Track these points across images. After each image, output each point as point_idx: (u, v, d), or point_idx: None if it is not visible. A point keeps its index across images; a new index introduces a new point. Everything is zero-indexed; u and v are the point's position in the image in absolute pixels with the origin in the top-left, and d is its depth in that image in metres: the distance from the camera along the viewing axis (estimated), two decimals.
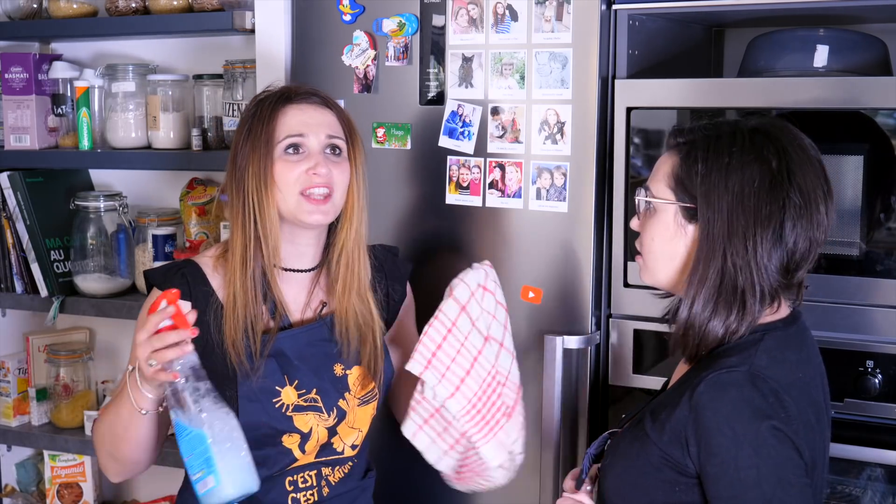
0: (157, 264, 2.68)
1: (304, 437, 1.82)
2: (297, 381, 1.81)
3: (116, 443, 1.78)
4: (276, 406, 1.80)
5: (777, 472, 1.44)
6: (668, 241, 1.57)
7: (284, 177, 1.79)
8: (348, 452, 1.89)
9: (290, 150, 1.80)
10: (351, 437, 1.88)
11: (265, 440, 1.80)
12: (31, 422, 2.91)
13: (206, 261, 1.86)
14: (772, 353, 1.51)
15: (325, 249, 1.90)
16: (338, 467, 1.90)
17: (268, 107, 1.82)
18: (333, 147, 1.84)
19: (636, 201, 1.63)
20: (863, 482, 2.02)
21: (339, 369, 1.87)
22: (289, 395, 1.80)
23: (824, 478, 1.60)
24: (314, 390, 1.83)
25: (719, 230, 1.50)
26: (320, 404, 1.83)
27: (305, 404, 1.82)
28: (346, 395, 1.86)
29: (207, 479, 1.62)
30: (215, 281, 1.83)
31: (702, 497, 1.50)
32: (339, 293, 1.87)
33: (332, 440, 1.86)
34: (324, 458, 1.87)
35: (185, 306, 1.65)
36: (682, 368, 1.66)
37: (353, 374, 1.88)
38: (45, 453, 2.96)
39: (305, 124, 1.82)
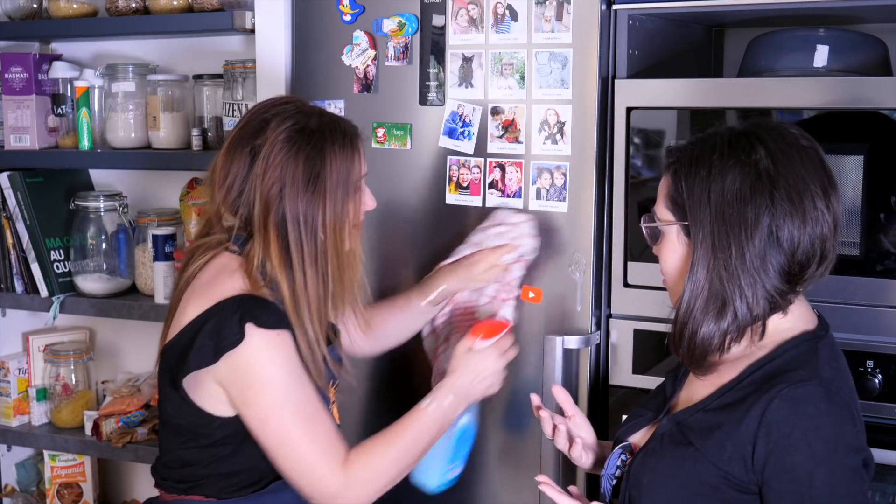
0: (158, 264, 2.68)
1: (337, 427, 1.90)
2: (331, 379, 1.88)
3: (417, 455, 1.84)
4: (330, 408, 1.88)
5: (850, 493, 1.44)
6: (678, 260, 1.56)
7: (358, 215, 1.85)
8: None
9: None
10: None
11: None
12: (31, 422, 2.91)
13: (254, 289, 1.76)
14: (831, 364, 1.50)
15: None
16: None
17: (349, 143, 1.80)
18: None
19: (644, 229, 1.62)
20: None
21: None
22: (332, 391, 1.90)
23: None
24: (333, 380, 1.91)
25: (703, 243, 1.49)
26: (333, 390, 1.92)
27: (332, 397, 1.91)
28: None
29: (457, 468, 2.00)
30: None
31: None
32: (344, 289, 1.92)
33: None
34: None
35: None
36: (706, 381, 1.61)
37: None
38: (45, 453, 2.96)
39: (366, 161, 1.87)
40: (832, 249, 1.52)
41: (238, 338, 1.69)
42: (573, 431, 1.80)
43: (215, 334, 1.70)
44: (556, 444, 1.81)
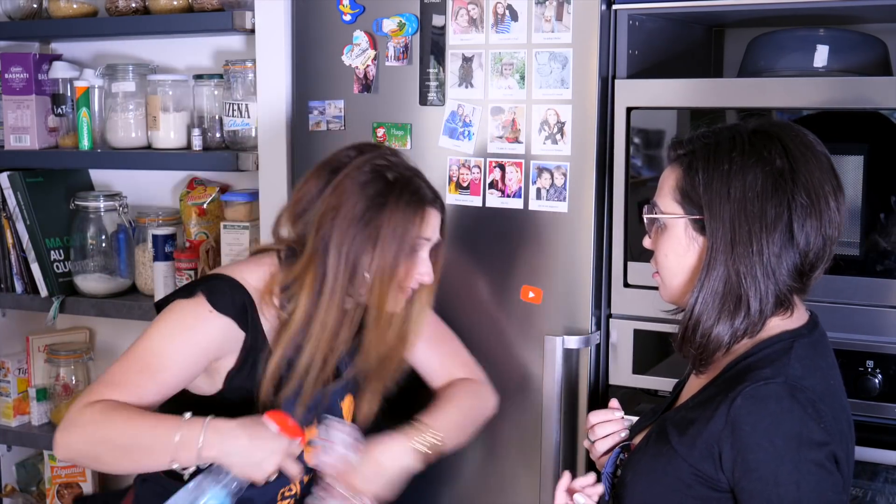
0: (158, 264, 2.68)
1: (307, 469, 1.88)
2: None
3: (118, 457, 1.73)
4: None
5: (818, 489, 1.41)
6: (682, 255, 1.55)
7: (402, 272, 1.81)
8: None
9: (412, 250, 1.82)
10: None
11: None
12: (31, 422, 2.91)
13: (256, 294, 1.82)
14: (804, 362, 1.48)
15: None
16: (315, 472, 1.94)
17: (409, 203, 1.80)
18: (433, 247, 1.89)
19: (644, 219, 1.61)
20: (862, 482, 2.02)
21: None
22: (310, 432, 1.86)
23: (850, 483, 1.56)
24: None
25: (722, 239, 1.48)
26: None
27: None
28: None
29: None
30: (266, 324, 1.83)
31: None
32: (371, 348, 1.90)
33: None
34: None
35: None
36: (696, 380, 1.62)
37: (346, 403, 1.95)
38: (45, 453, 2.96)
39: (433, 230, 1.85)
40: (832, 251, 1.54)
41: (186, 295, 1.80)
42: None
43: (183, 288, 1.84)
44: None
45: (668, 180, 1.57)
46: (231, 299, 1.80)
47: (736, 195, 1.48)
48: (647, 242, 1.63)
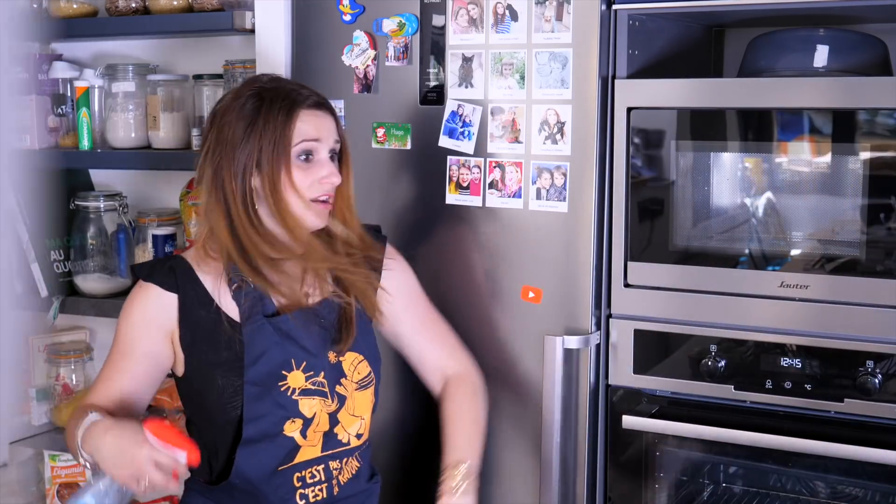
0: None
1: (307, 423, 1.85)
2: (304, 364, 1.85)
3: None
4: (282, 390, 1.83)
5: None
6: None
7: (300, 183, 1.82)
8: (354, 442, 1.92)
9: (303, 157, 1.83)
10: (354, 426, 1.91)
11: (268, 428, 1.83)
12: (31, 422, 2.91)
13: (192, 255, 1.88)
14: None
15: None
16: (346, 460, 1.91)
17: (280, 108, 1.81)
18: (332, 152, 1.88)
19: None
20: (863, 482, 2.02)
21: (332, 357, 1.89)
22: (297, 378, 1.84)
23: None
24: (322, 374, 1.86)
25: None
26: (326, 389, 1.87)
27: (313, 387, 1.85)
28: (343, 380, 1.89)
29: None
30: (208, 281, 1.86)
31: None
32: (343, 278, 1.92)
33: (335, 430, 1.88)
34: (330, 451, 1.89)
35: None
36: None
37: (347, 361, 1.90)
38: (45, 453, 2.96)
39: (318, 130, 1.84)
40: None
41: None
42: None
43: None
44: None
45: None
46: (157, 267, 1.87)
47: None
48: None
